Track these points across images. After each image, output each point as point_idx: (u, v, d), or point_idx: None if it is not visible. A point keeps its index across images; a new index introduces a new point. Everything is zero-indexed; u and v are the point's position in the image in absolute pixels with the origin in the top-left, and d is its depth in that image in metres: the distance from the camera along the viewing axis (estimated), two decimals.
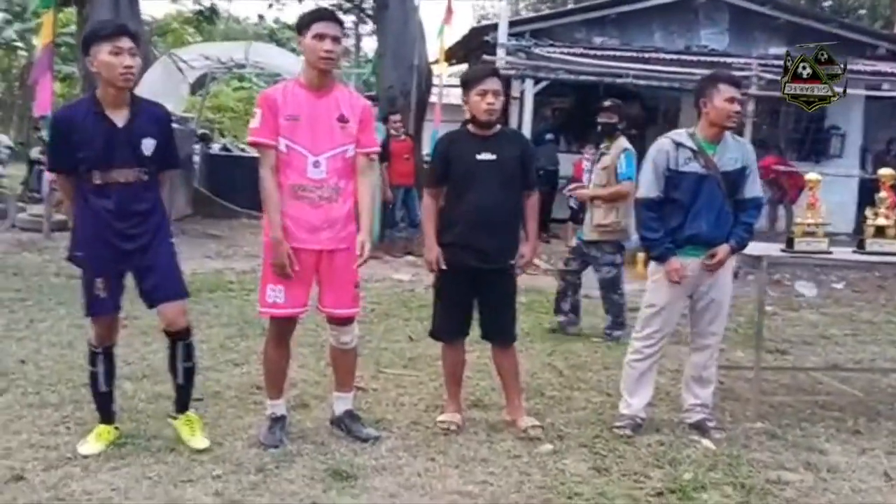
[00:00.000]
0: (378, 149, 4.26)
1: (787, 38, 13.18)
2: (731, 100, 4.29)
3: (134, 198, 3.74)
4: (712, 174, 4.33)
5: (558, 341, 6.54)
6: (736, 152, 4.41)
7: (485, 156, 4.27)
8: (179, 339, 3.96)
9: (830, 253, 5.03)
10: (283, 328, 4.09)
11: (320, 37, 3.84)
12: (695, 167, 4.33)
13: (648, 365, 4.48)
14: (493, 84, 4.27)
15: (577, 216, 12.03)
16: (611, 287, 6.68)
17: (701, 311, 4.46)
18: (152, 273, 3.83)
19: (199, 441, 3.89)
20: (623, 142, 6.65)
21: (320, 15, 3.99)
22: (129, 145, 3.70)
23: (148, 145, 3.74)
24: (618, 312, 6.70)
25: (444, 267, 4.32)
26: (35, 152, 14.73)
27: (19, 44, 29.91)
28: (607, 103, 6.90)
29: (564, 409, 4.81)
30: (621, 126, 6.79)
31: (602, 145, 6.88)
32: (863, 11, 26.54)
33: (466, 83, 4.36)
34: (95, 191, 3.70)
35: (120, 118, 3.70)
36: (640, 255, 8.66)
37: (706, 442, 4.32)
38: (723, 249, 4.34)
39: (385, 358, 5.74)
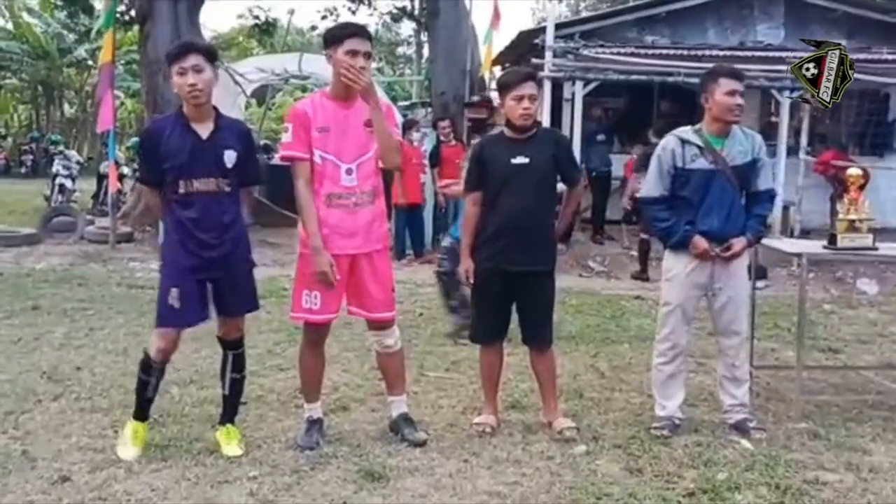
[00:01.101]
0: (399, 132, 4.30)
1: (845, 30, 12.83)
2: (732, 93, 4.25)
3: (216, 208, 3.88)
4: (721, 169, 4.29)
5: (604, 343, 6.52)
6: (745, 145, 4.36)
7: (519, 159, 4.30)
8: (231, 349, 4.12)
9: (876, 249, 4.92)
10: (318, 334, 4.19)
11: (353, 53, 3.87)
12: (702, 164, 4.30)
13: (676, 366, 4.45)
14: (529, 89, 4.29)
15: (629, 218, 11.99)
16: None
17: (719, 310, 4.41)
18: (228, 286, 3.98)
19: (232, 449, 3.99)
20: None
21: (353, 31, 3.97)
22: (213, 156, 3.87)
23: (230, 157, 3.89)
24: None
25: (471, 281, 4.37)
26: (104, 167, 15.20)
27: (91, 62, 30.93)
28: (475, 98, 6.55)
29: (602, 410, 4.80)
30: (491, 122, 6.35)
31: (474, 142, 6.69)
32: None
33: (503, 87, 4.39)
34: (180, 201, 3.87)
35: (204, 131, 3.88)
36: None
37: (745, 442, 4.27)
38: (738, 241, 4.30)
39: (429, 361, 5.80)
